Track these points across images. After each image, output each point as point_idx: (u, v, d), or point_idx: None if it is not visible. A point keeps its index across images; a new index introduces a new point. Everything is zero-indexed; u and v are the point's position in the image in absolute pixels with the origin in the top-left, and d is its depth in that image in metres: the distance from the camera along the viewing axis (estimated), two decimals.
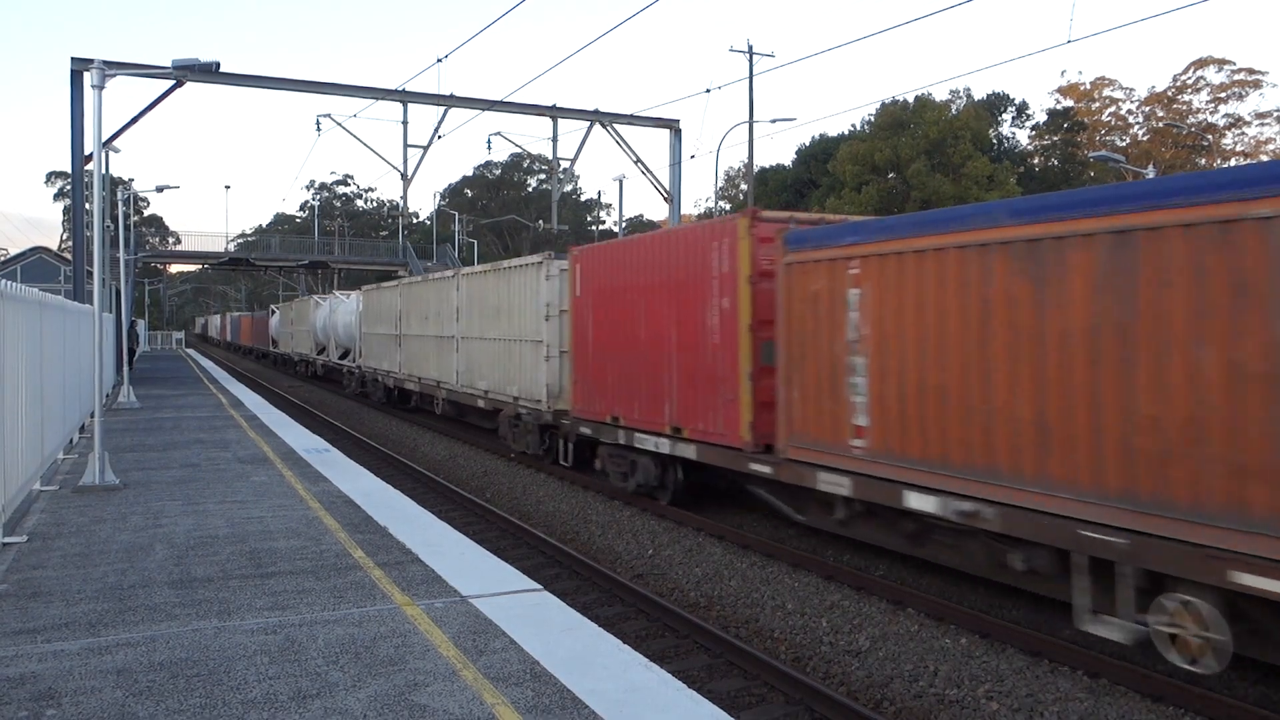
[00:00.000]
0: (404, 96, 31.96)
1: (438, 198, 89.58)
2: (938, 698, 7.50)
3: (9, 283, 9.37)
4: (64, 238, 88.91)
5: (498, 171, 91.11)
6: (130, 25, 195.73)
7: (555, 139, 35.41)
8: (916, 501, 9.03)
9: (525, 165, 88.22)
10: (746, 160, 39.09)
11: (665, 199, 36.48)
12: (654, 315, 13.54)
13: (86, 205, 30.41)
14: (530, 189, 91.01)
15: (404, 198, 37.01)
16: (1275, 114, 61.54)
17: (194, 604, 6.82)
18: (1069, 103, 64.31)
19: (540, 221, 68.84)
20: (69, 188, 36.04)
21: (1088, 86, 66.55)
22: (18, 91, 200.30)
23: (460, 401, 22.79)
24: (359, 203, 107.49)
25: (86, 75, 15.00)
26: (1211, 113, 61.80)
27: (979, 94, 57.73)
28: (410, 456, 20.62)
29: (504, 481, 17.33)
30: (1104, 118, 66.22)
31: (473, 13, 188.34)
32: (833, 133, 61.94)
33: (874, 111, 55.05)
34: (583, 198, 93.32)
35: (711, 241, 12.22)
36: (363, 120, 53.67)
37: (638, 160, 35.40)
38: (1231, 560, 6.51)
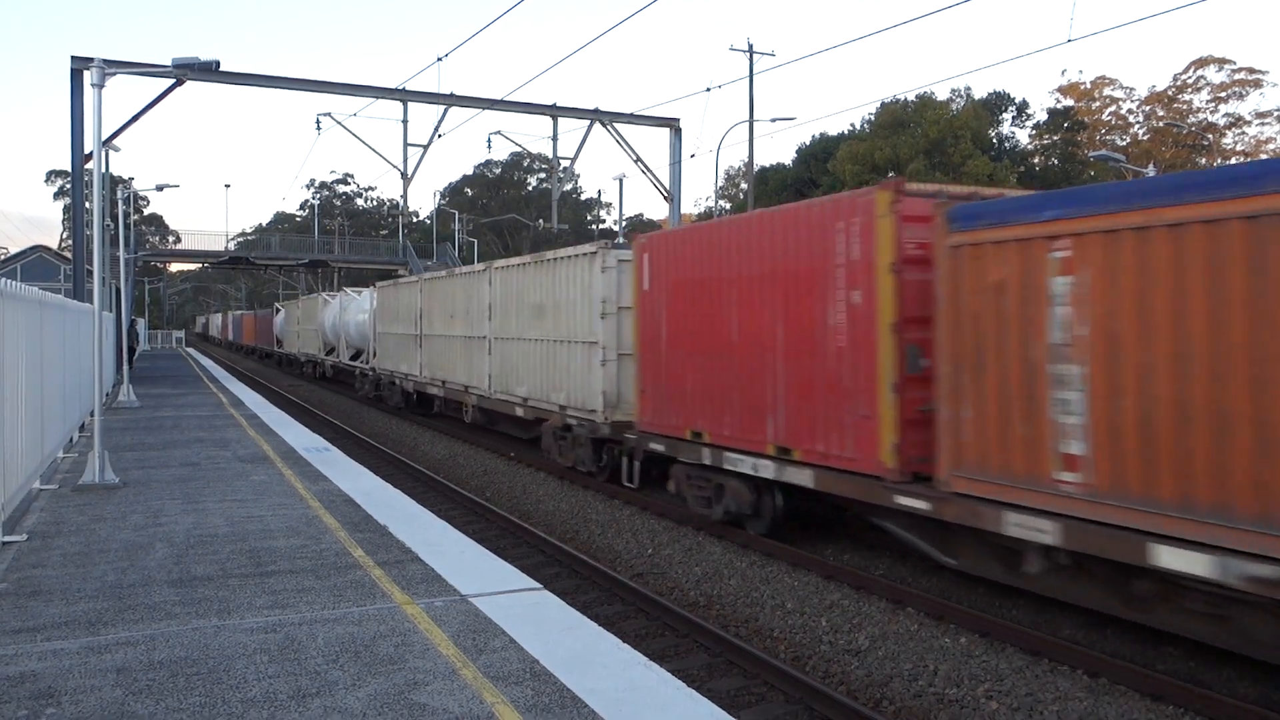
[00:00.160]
0: (404, 95, 31.95)
1: (438, 197, 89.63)
2: (937, 697, 7.50)
3: (9, 281, 9.36)
4: (64, 236, 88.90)
5: (498, 170, 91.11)
6: (130, 25, 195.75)
7: (555, 138, 35.40)
8: (1172, 559, 6.92)
9: (525, 164, 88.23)
10: (747, 159, 39.09)
11: (665, 198, 36.47)
12: (751, 312, 11.45)
13: (86, 204, 30.40)
14: (530, 188, 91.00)
15: (404, 197, 37.04)
16: (1276, 113, 61.55)
17: (194, 603, 6.82)
18: (1069, 102, 64.29)
19: (540, 221, 68.83)
20: (69, 186, 36.04)
21: (1088, 86, 66.54)
22: (18, 90, 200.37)
23: (493, 409, 20.51)
24: (359, 202, 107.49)
25: (86, 74, 14.99)
26: (1212, 112, 61.79)
27: (979, 94, 57.74)
28: (410, 455, 20.62)
29: (504, 481, 17.33)
30: (1104, 117, 66.20)
31: (473, 12, 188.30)
32: (833, 132, 61.99)
33: (874, 111, 55.10)
34: (583, 197, 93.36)
35: (834, 222, 10.08)
36: (363, 119, 53.72)
37: (638, 159, 35.39)
38: None
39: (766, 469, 11.15)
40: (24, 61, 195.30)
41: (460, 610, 6.61)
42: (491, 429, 22.16)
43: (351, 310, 36.07)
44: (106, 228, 35.11)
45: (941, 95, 54.61)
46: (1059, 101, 64.48)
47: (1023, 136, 59.82)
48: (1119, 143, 63.35)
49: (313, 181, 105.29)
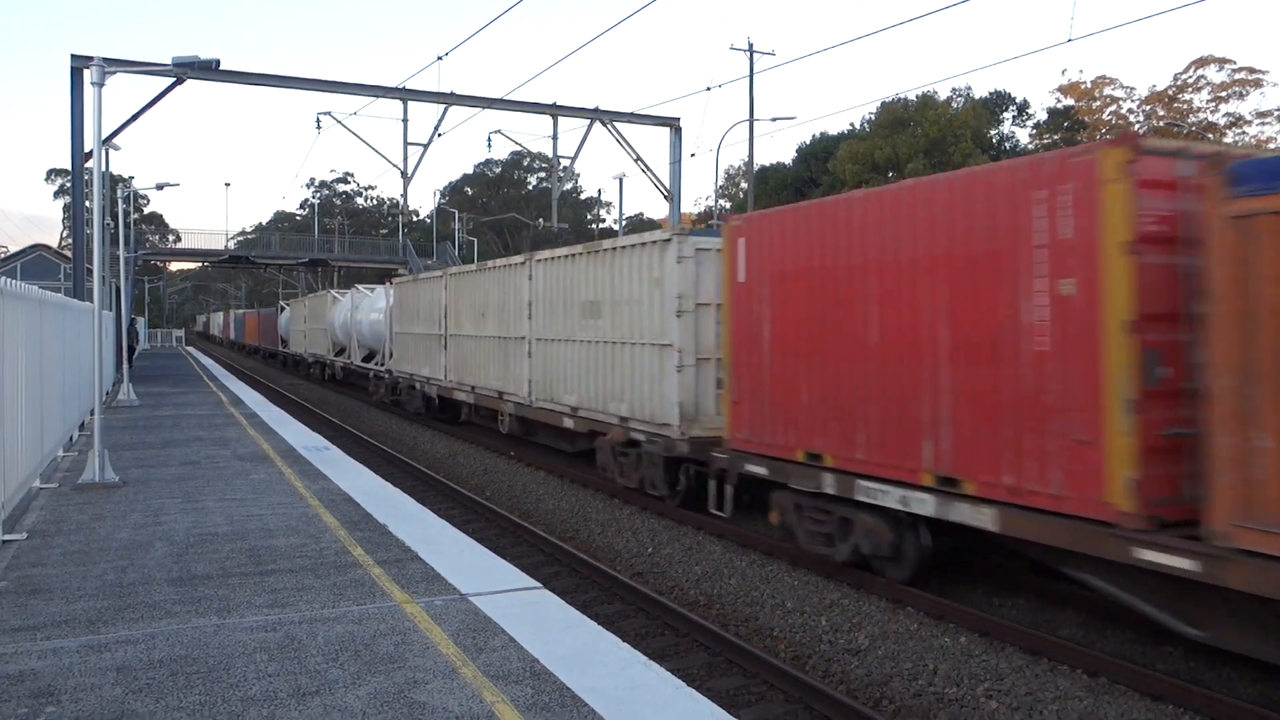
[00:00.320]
0: (404, 94, 31.97)
1: (438, 196, 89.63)
2: (937, 696, 7.50)
3: (9, 280, 9.37)
4: (64, 235, 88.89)
5: (498, 169, 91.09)
6: (130, 24, 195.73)
7: (555, 137, 35.44)
8: None
9: (525, 163, 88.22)
10: (747, 158, 39.09)
11: (665, 197, 36.49)
12: (898, 307, 9.32)
13: (86, 203, 30.41)
14: (530, 187, 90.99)
15: (404, 196, 37.07)
16: (1276, 113, 61.51)
17: (193, 601, 6.82)
18: (1070, 101, 64.29)
19: (540, 220, 68.84)
20: (69, 185, 36.06)
21: (1088, 85, 66.47)
22: (18, 89, 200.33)
23: (534, 419, 18.31)
24: (359, 200, 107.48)
25: (86, 72, 14.99)
26: (1212, 111, 61.74)
27: (980, 93, 57.79)
28: (410, 454, 20.62)
29: (504, 480, 17.33)
30: (1105, 116, 66.18)
31: (473, 11, 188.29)
32: (833, 131, 62.00)
33: (874, 111, 55.11)
34: (583, 196, 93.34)
35: (1031, 191, 7.96)
36: (363, 118, 53.73)
37: (638, 158, 35.41)
38: None
39: (922, 504, 8.92)
40: (24, 60, 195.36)
41: (460, 609, 6.61)
42: (528, 439, 19.77)
43: (364, 308, 33.83)
44: (106, 226, 35.13)
45: (942, 95, 54.68)
46: (1059, 101, 64.50)
47: (1023, 136, 59.85)
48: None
49: (313, 180, 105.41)
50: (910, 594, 9.52)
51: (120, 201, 29.67)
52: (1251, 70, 60.40)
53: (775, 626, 9.22)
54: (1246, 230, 6.62)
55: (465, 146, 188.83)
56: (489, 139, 45.26)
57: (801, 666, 8.27)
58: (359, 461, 14.33)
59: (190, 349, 79.37)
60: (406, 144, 33.55)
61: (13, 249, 65.34)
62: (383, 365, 30.74)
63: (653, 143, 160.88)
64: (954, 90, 55.85)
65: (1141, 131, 63.13)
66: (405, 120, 33.13)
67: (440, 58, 31.78)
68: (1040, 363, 7.93)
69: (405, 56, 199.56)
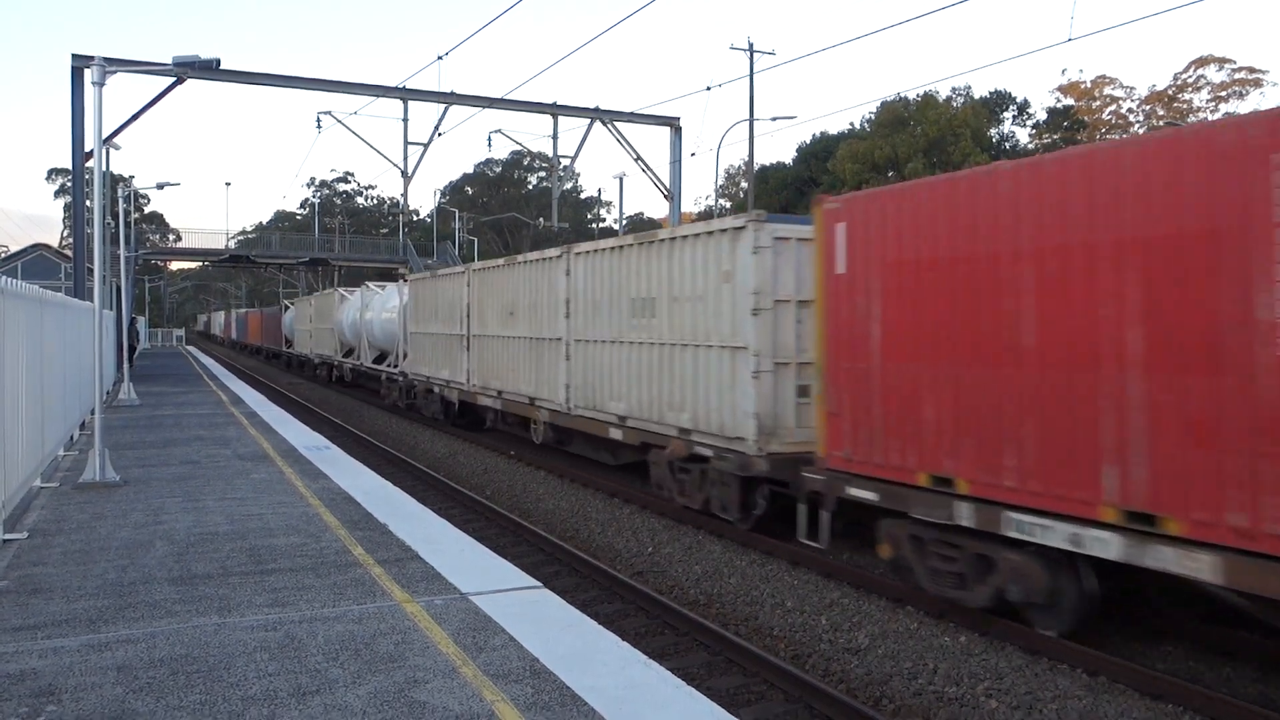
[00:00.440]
0: (404, 94, 31.98)
1: (438, 195, 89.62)
2: (937, 695, 7.51)
3: (9, 280, 9.37)
4: (64, 235, 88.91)
5: (498, 169, 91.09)
6: (130, 24, 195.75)
7: (555, 136, 35.45)
8: None
9: (526, 163, 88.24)
10: (747, 158, 39.11)
11: (665, 197, 36.50)
12: (1067, 302, 7.68)
13: (87, 202, 30.43)
14: (531, 186, 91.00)
15: (404, 195, 37.05)
16: None
17: (194, 600, 6.83)
18: (1070, 101, 64.30)
19: (540, 219, 68.85)
20: (69, 185, 36.08)
21: (1088, 85, 66.52)
22: (18, 89, 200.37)
23: (573, 428, 16.67)
24: (359, 200, 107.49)
25: (87, 72, 15.02)
26: (1212, 111, 61.71)
27: (981, 93, 57.78)
28: (410, 454, 20.63)
29: (504, 479, 17.33)
30: (1104, 116, 66.19)
31: (473, 10, 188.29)
32: (833, 131, 62.04)
33: (874, 110, 55.12)
34: (583, 195, 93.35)
35: (1271, 152, 6.41)
36: (363, 118, 53.75)
37: (638, 158, 35.43)
38: None
39: (1101, 545, 7.34)
40: (24, 60, 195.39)
41: (460, 608, 6.62)
42: (561, 449, 18.20)
43: (376, 307, 31.89)
44: (107, 226, 35.15)
45: (942, 95, 54.70)
46: (1059, 101, 64.51)
47: (1023, 135, 59.86)
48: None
49: (313, 180, 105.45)
50: (910, 593, 9.52)
51: (121, 201, 29.68)
52: (1251, 70, 60.45)
53: (775, 625, 9.22)
54: None
55: (465, 146, 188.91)
56: (489, 138, 45.33)
57: (801, 665, 8.28)
58: (359, 461, 14.34)
59: (190, 348, 79.41)
60: (407, 143, 33.57)
61: (13, 248, 65.42)
62: (396, 367, 28.91)
63: (653, 142, 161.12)
64: (953, 90, 55.89)
65: (1141, 132, 63.15)
66: (405, 120, 33.16)
67: (440, 57, 31.80)
68: None
69: (405, 56, 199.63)
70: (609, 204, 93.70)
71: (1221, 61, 61.06)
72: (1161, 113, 62.66)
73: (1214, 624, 8.31)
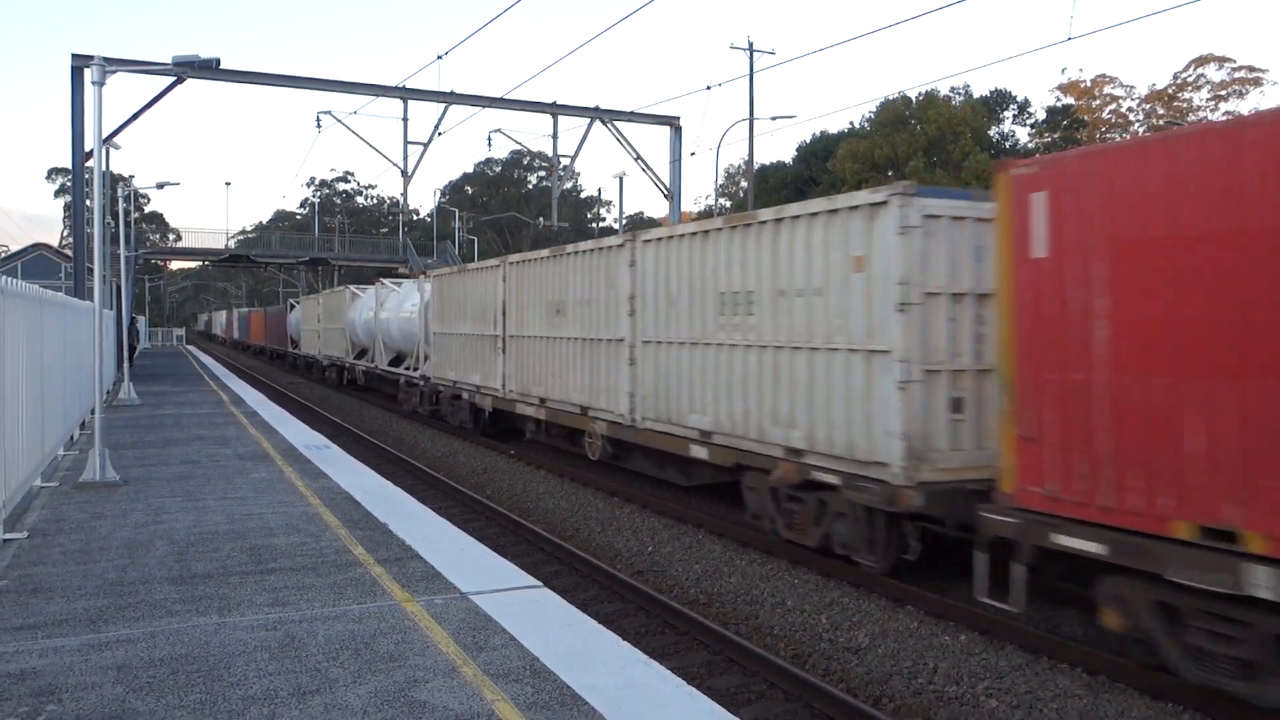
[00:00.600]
0: (404, 93, 31.98)
1: (438, 195, 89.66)
2: (937, 694, 7.51)
3: (9, 280, 9.38)
4: (64, 234, 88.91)
5: (498, 169, 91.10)
6: (130, 24, 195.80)
7: (555, 136, 35.45)
8: None
9: (525, 162, 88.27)
10: (747, 157, 39.11)
11: (665, 196, 36.51)
12: None
13: (87, 202, 30.43)
14: (530, 186, 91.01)
15: (404, 195, 37.04)
16: None
17: (194, 600, 6.83)
18: (1070, 100, 64.30)
19: (540, 219, 68.85)
20: (69, 184, 36.08)
21: (1088, 84, 66.53)
22: (18, 89, 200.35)
23: (637, 443, 14.39)
24: (359, 200, 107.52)
25: (87, 72, 15.01)
26: (1212, 110, 61.71)
27: (981, 91, 57.83)
28: (410, 453, 20.63)
29: (504, 478, 17.33)
30: (1104, 115, 66.18)
31: (473, 10, 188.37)
32: (833, 130, 62.04)
33: (874, 109, 55.15)
34: (583, 195, 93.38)
35: None
36: (363, 117, 53.74)
37: (638, 157, 35.43)
38: None
39: None
40: (24, 60, 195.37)
41: (460, 608, 6.62)
42: (617, 465, 16.05)
43: (393, 306, 29.66)
44: (107, 225, 35.16)
45: (941, 94, 54.73)
46: (1059, 100, 64.50)
47: (1023, 134, 59.88)
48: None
49: (313, 179, 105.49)
50: (910, 592, 9.53)
51: (121, 200, 29.69)
52: (1251, 69, 60.48)
53: (775, 625, 9.23)
54: None
55: (465, 145, 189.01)
56: (489, 138, 45.33)
57: (801, 665, 8.28)
58: (359, 460, 14.34)
59: (190, 348, 79.44)
60: (406, 143, 33.57)
61: (13, 248, 65.46)
62: (416, 371, 26.74)
63: (653, 142, 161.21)
64: (953, 89, 55.92)
65: (1141, 131, 63.16)
66: (405, 119, 33.15)
67: (440, 57, 31.83)
68: None
69: (405, 56, 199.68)
70: (609, 203, 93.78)
71: (1221, 60, 61.09)
72: (1161, 112, 62.65)
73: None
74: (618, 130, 34.88)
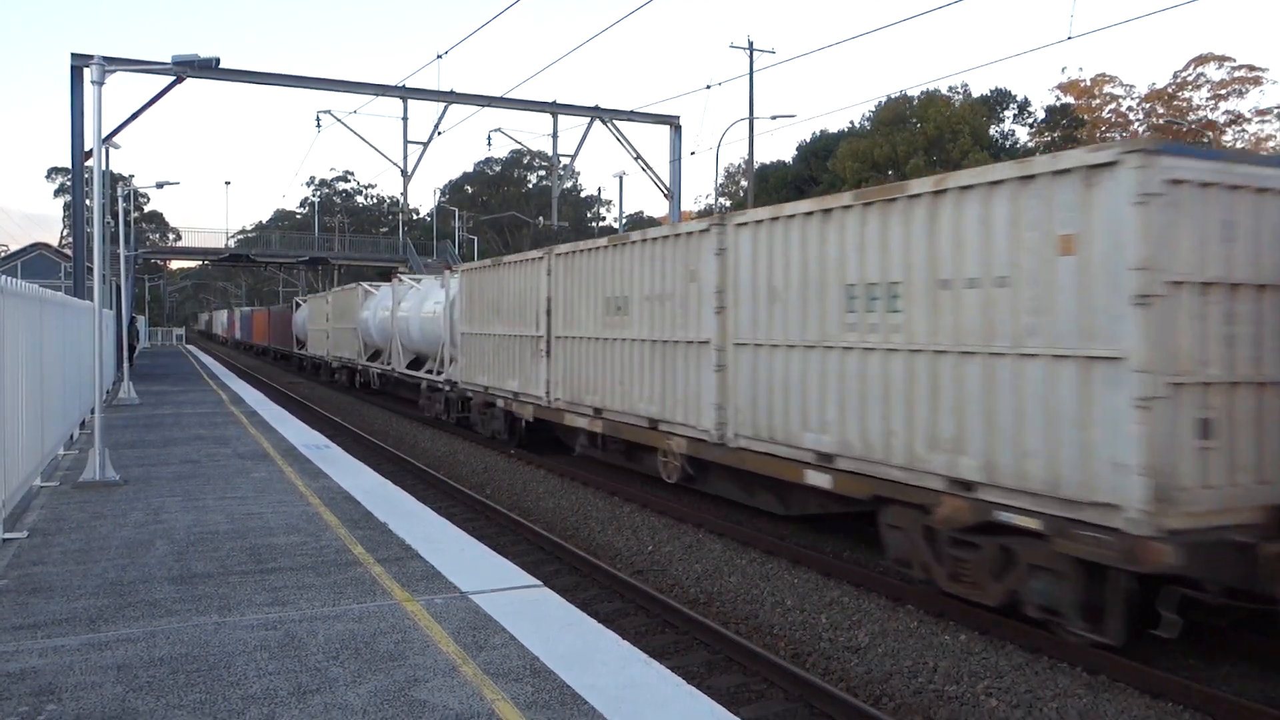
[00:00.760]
0: (404, 93, 31.99)
1: (438, 194, 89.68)
2: (937, 694, 7.51)
3: (9, 279, 9.38)
4: (64, 234, 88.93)
5: (498, 168, 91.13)
6: (130, 24, 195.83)
7: (555, 135, 35.47)
8: None
9: (525, 162, 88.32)
10: (747, 157, 39.11)
11: (665, 195, 36.51)
12: None
13: (87, 201, 30.43)
14: (530, 185, 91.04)
15: (404, 194, 37.06)
16: (1275, 111, 61.47)
17: (194, 599, 6.83)
18: (1069, 99, 64.29)
19: (540, 218, 68.85)
20: (69, 184, 36.07)
21: (1088, 83, 66.52)
22: (18, 88, 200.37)
23: (729, 464, 12.06)
24: (359, 199, 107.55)
25: (86, 71, 15.00)
26: (1212, 109, 61.73)
27: (981, 91, 57.89)
28: (410, 453, 20.63)
29: (504, 478, 17.33)
30: (1104, 114, 66.17)
31: (473, 9, 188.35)
32: (833, 129, 62.06)
33: (874, 108, 55.17)
34: (583, 194, 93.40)
35: None
36: (363, 116, 53.71)
37: (638, 157, 35.45)
38: None
39: None
40: (24, 59, 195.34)
41: (460, 607, 6.62)
42: (690, 487, 13.64)
43: (412, 303, 27.50)
44: (107, 225, 35.16)
45: (941, 92, 54.75)
46: (1059, 99, 64.51)
47: (1023, 134, 59.89)
48: (1119, 140, 63.28)
49: (313, 179, 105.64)
50: (910, 592, 9.52)
51: (120, 200, 29.69)
52: (1251, 68, 60.45)
53: (775, 624, 9.22)
54: None
55: (465, 145, 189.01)
56: (489, 137, 45.33)
57: (801, 664, 8.27)
58: (359, 460, 14.34)
59: (190, 347, 79.44)
60: (406, 142, 33.60)
61: (13, 248, 65.47)
62: (440, 374, 24.64)
63: (653, 141, 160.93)
64: (951, 88, 55.94)
65: (1141, 130, 63.18)
66: (405, 119, 33.18)
67: (440, 56, 31.86)
68: None
69: (405, 55, 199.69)
70: (609, 203, 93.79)
71: (1221, 60, 61.07)
72: (1161, 111, 62.65)
73: (1213, 622, 8.17)
74: (617, 129, 34.88)
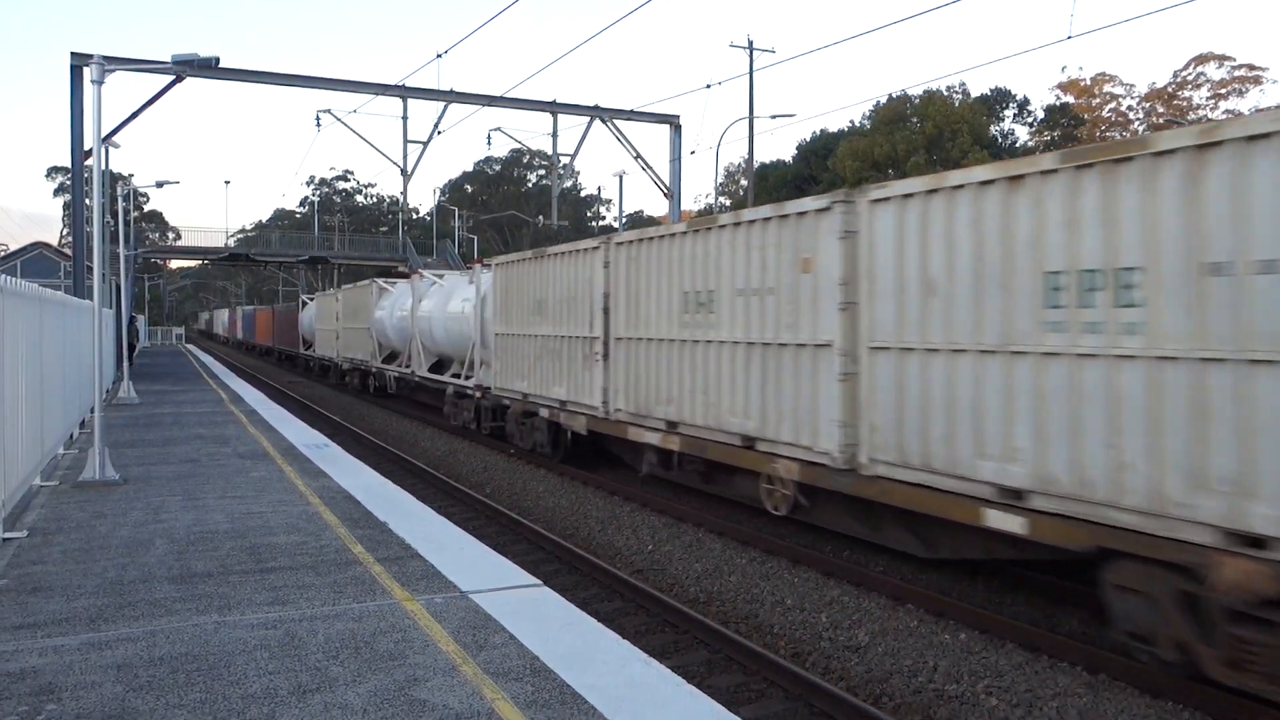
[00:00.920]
0: (404, 92, 31.99)
1: (438, 193, 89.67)
2: (937, 693, 7.51)
3: (9, 278, 9.37)
4: (64, 233, 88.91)
5: (497, 167, 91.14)
6: (130, 23, 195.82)
7: (555, 134, 35.47)
8: None
9: (525, 161, 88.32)
10: (747, 156, 39.11)
11: (665, 195, 36.51)
12: None
13: (86, 201, 30.42)
14: (530, 185, 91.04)
15: (404, 193, 37.08)
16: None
17: (194, 599, 6.83)
18: (1069, 99, 64.28)
19: (540, 217, 68.83)
20: (69, 183, 36.07)
21: (1088, 82, 66.50)
22: (18, 88, 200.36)
23: (861, 495, 9.84)
24: (359, 198, 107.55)
25: (86, 70, 15.00)
26: (1212, 109, 61.70)
27: (981, 90, 57.95)
28: (410, 452, 20.63)
29: (504, 477, 17.33)
30: (1104, 114, 66.15)
31: (473, 9, 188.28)
32: (833, 128, 62.07)
33: (874, 108, 55.18)
34: (583, 193, 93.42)
35: None
36: (363, 116, 53.59)
37: (638, 156, 35.45)
38: None
39: None
40: (24, 59, 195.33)
41: (460, 607, 6.62)
42: (795, 520, 11.37)
43: (433, 302, 25.41)
44: (106, 224, 35.15)
45: (941, 90, 54.76)
46: (1059, 98, 64.49)
47: (1023, 133, 59.90)
48: (1119, 140, 63.22)
49: (313, 178, 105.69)
50: (910, 591, 9.53)
51: (120, 199, 29.68)
52: (1251, 67, 60.44)
53: (775, 623, 9.23)
54: None
55: (465, 144, 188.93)
56: (489, 136, 45.31)
57: (802, 663, 8.28)
58: (359, 459, 14.34)
59: (190, 347, 79.44)
60: (406, 141, 33.60)
61: (13, 247, 65.45)
62: (469, 379, 22.44)
63: (653, 140, 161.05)
64: (948, 88, 55.94)
65: (1140, 129, 63.17)
66: (405, 118, 33.21)
67: (440, 55, 31.82)
68: None
69: (405, 54, 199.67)
70: (609, 202, 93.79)
71: (1221, 59, 61.05)
72: (1161, 110, 62.64)
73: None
74: (617, 129, 34.88)
